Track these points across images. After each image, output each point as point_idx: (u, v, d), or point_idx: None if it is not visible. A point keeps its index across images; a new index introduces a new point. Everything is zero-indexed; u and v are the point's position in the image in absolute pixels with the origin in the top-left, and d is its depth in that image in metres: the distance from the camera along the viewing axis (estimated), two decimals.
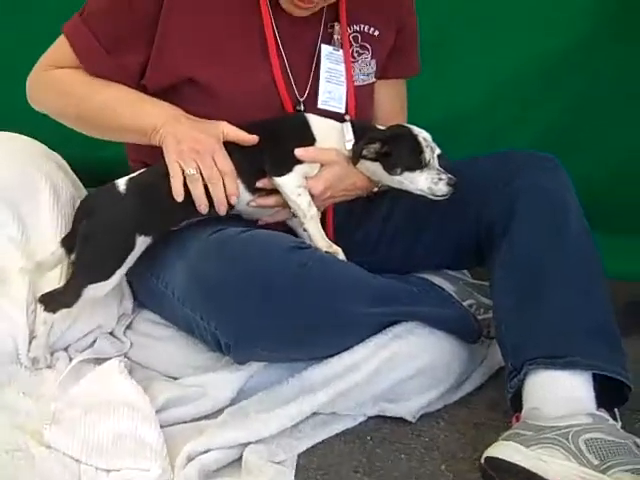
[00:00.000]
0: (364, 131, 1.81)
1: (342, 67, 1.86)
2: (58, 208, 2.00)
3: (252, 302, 1.59)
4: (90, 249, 1.73)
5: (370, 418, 1.77)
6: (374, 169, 1.81)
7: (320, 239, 1.77)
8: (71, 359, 1.79)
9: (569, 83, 2.45)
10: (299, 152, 1.76)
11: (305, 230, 1.78)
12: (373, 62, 1.92)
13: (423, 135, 1.79)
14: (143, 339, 1.89)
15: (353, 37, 1.89)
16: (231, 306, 1.61)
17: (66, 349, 1.83)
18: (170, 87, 1.80)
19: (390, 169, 1.78)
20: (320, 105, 1.85)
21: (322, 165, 1.79)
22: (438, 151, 1.79)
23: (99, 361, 1.79)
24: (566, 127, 2.47)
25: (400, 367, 1.76)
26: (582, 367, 1.58)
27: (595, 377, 1.59)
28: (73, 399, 1.64)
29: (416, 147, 1.76)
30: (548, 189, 1.72)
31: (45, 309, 1.75)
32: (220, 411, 1.69)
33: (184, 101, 1.79)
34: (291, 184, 1.76)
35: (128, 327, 1.92)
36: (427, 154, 1.76)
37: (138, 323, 1.92)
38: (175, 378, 1.80)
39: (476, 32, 2.47)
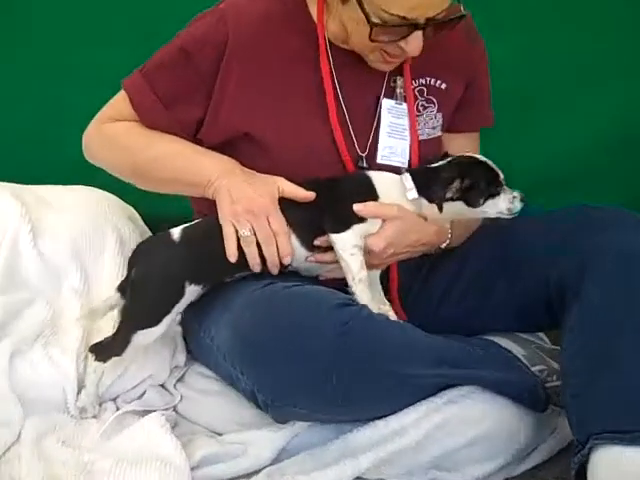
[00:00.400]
0: (424, 175, 1.73)
1: (405, 121, 1.80)
2: (122, 259, 2.03)
3: (289, 361, 1.53)
4: (139, 295, 1.71)
5: None
6: (456, 209, 1.72)
7: (368, 301, 1.67)
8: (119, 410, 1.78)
9: None
10: (358, 207, 1.68)
11: (352, 293, 1.69)
12: (439, 115, 1.84)
13: (486, 159, 1.73)
14: (193, 393, 1.84)
15: (418, 90, 1.82)
16: (268, 364, 1.55)
17: (115, 400, 1.81)
18: (226, 142, 1.78)
19: (475, 202, 1.70)
20: (380, 160, 1.79)
21: (384, 221, 1.71)
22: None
23: (146, 413, 1.75)
24: None
25: (454, 434, 1.65)
26: None
27: None
28: (108, 450, 1.61)
29: (492, 172, 1.71)
30: (624, 246, 1.60)
31: (96, 358, 1.74)
32: (259, 471, 1.62)
33: (240, 155, 1.76)
34: (346, 242, 1.69)
35: (180, 380, 1.88)
36: (501, 175, 1.71)
37: (190, 376, 1.88)
38: (219, 434, 1.74)
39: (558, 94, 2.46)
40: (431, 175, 1.72)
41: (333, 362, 1.52)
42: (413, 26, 1.62)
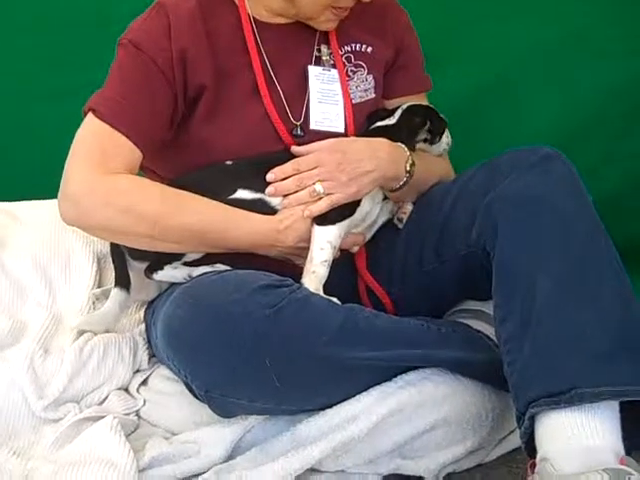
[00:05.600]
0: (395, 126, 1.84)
1: (335, 86, 1.78)
2: (92, 270, 2.03)
3: (216, 347, 1.47)
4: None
5: (385, 478, 1.59)
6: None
7: (314, 290, 1.62)
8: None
9: None
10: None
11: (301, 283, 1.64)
12: (370, 77, 1.84)
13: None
14: (155, 395, 1.79)
15: (346, 57, 1.82)
16: (196, 353, 1.50)
17: (78, 403, 1.77)
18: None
19: (434, 139, 1.88)
20: (314, 126, 1.76)
21: None
22: None
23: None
24: None
25: (412, 419, 1.57)
26: (591, 399, 1.34)
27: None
28: (55, 457, 1.57)
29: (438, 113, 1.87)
30: (529, 192, 1.51)
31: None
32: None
33: (181, 153, 1.75)
34: (323, 236, 1.69)
35: (144, 383, 1.83)
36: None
37: (154, 379, 1.83)
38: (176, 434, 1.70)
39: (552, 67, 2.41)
40: (402, 124, 1.83)
41: (263, 346, 1.45)
42: None
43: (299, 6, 1.71)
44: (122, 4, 2.26)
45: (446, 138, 1.89)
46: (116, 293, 1.80)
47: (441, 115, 1.88)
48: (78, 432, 1.67)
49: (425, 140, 1.86)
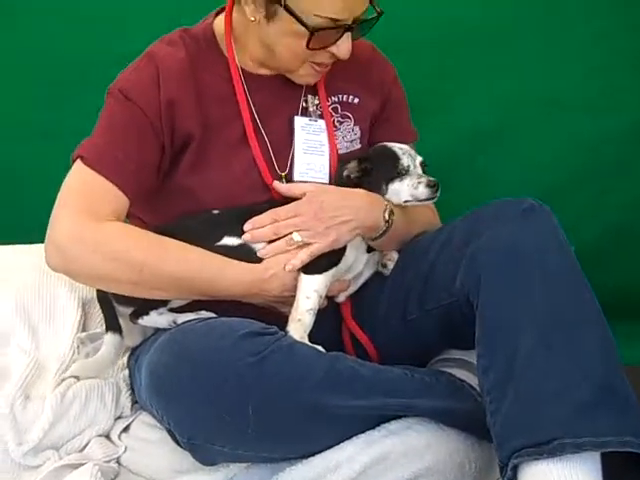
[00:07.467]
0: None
1: (321, 137, 1.81)
2: (77, 314, 2.02)
3: (199, 395, 1.47)
4: None
5: None
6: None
7: (299, 338, 1.62)
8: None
9: None
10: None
11: (286, 331, 1.64)
12: (357, 128, 1.86)
13: (399, 146, 1.79)
14: (137, 443, 1.78)
15: (333, 108, 1.85)
16: (178, 401, 1.50)
17: (58, 450, 1.75)
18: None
19: (376, 187, 1.75)
20: (297, 177, 1.78)
21: None
22: (420, 159, 1.78)
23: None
24: None
25: (394, 468, 1.57)
26: (573, 450, 1.34)
27: None
28: None
29: (393, 156, 1.76)
30: (512, 243, 1.52)
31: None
32: None
33: (165, 194, 1.75)
34: (310, 285, 1.70)
35: (125, 430, 1.82)
36: (405, 161, 1.75)
37: (136, 425, 1.82)
38: None
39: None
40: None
41: (245, 394, 1.45)
42: (343, 28, 1.64)
43: (279, 58, 1.73)
44: (112, 49, 2.29)
45: (408, 188, 1.74)
46: (110, 338, 1.78)
47: (397, 156, 1.76)
48: (58, 479, 1.65)
49: (359, 181, 1.76)
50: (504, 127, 2.45)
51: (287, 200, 1.74)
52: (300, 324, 1.66)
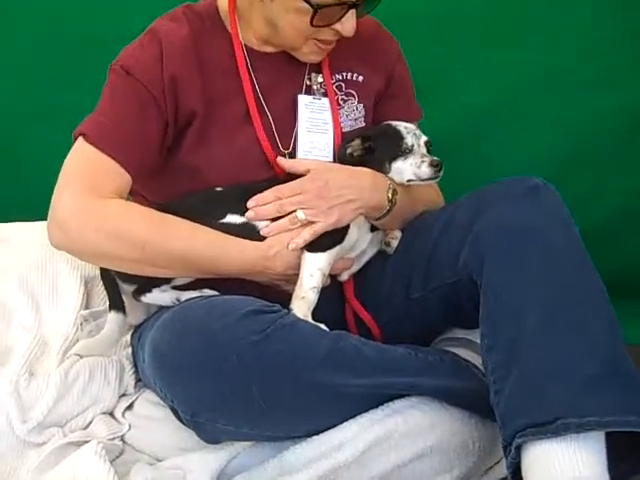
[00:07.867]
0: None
1: (325, 115, 1.79)
2: (80, 292, 2.02)
3: (202, 373, 1.47)
4: None
5: None
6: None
7: (302, 317, 1.62)
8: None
9: None
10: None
11: (290, 309, 1.64)
12: (360, 106, 1.85)
13: (404, 125, 1.77)
14: (140, 420, 1.78)
15: (337, 86, 1.83)
16: (182, 378, 1.50)
17: (62, 427, 1.76)
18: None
19: (379, 166, 1.75)
20: (301, 155, 1.77)
21: None
22: (425, 138, 1.77)
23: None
24: None
25: (399, 447, 1.56)
26: (576, 429, 1.33)
27: None
28: None
29: (397, 134, 1.75)
30: (516, 222, 1.51)
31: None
32: None
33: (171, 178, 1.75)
34: (314, 263, 1.69)
35: (129, 408, 1.82)
36: (409, 140, 1.74)
37: (140, 403, 1.82)
38: (162, 460, 1.68)
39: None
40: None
41: (249, 372, 1.45)
42: (348, 5, 1.63)
43: (282, 35, 1.71)
44: (113, 28, 2.28)
45: (411, 167, 1.73)
46: (113, 316, 1.78)
47: (400, 135, 1.75)
48: (62, 457, 1.66)
49: (361, 159, 1.76)
50: (509, 106, 2.43)
51: (291, 178, 1.73)
52: (304, 302, 1.66)
